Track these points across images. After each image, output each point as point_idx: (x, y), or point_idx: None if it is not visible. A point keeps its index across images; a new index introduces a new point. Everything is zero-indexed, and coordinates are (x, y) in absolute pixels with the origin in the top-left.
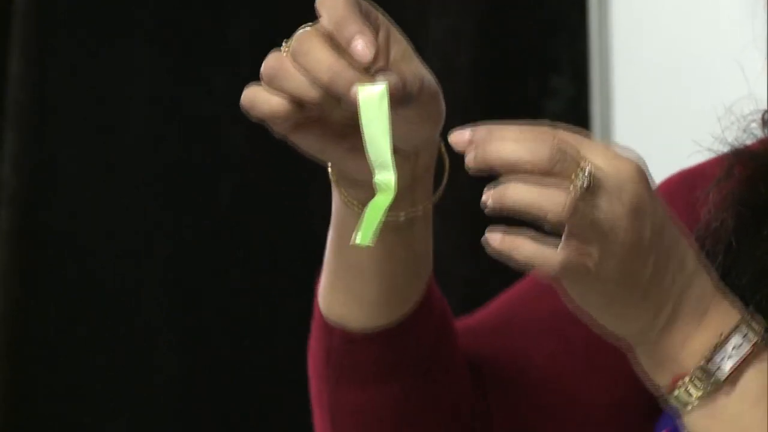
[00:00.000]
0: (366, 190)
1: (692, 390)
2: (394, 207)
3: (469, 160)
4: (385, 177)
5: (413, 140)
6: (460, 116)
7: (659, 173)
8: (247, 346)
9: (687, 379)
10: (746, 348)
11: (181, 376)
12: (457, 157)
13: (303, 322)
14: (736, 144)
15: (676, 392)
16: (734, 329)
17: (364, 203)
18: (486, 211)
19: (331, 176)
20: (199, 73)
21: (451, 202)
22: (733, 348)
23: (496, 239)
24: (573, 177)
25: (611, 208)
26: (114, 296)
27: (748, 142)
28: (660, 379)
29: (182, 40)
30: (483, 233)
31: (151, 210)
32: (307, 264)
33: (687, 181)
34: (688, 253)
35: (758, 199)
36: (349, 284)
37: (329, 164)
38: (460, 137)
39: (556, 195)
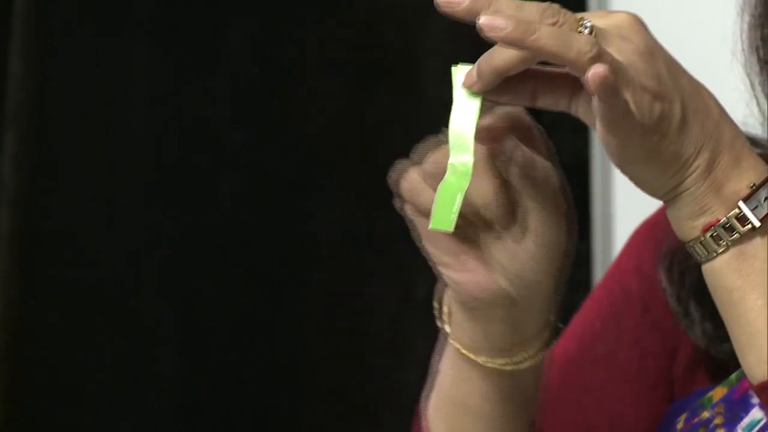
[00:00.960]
0: (477, 321)
1: (724, 235)
2: (508, 354)
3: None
4: (464, 159)
5: (526, 274)
6: None
7: None
8: (247, 346)
9: (719, 224)
10: None
11: (181, 376)
12: None
13: (303, 322)
14: None
15: (705, 237)
16: (766, 180)
17: (470, 348)
18: (503, 40)
19: (445, 329)
20: (200, 74)
21: None
22: (765, 198)
23: (601, 71)
24: (576, 29)
25: (623, 53)
26: (114, 296)
27: None
28: (691, 231)
29: (182, 40)
30: None
31: (150, 210)
32: (307, 264)
33: (657, 228)
34: (710, 100)
35: None
36: (456, 420)
37: (448, 332)
38: (469, 75)
39: (580, 38)
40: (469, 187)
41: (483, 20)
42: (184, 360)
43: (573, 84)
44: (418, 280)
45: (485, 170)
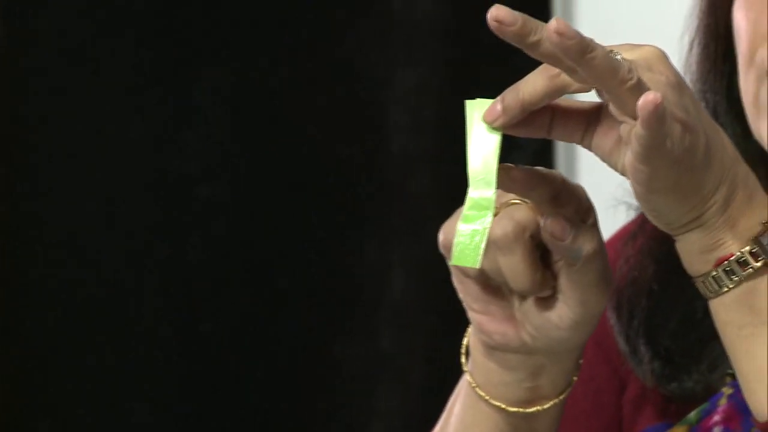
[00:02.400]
0: (495, 362)
1: (737, 270)
2: (523, 405)
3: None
4: (486, 194)
5: (554, 336)
6: (429, 168)
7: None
8: (246, 348)
9: (734, 259)
10: None
11: (178, 379)
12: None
13: (300, 326)
14: None
15: (718, 271)
16: None
17: (486, 390)
18: (564, 51)
19: (466, 370)
20: (179, 109)
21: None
22: None
23: (655, 98)
24: None
25: (655, 85)
26: (111, 301)
27: None
28: (702, 265)
29: (156, 87)
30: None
31: (123, 237)
32: (279, 307)
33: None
34: (725, 137)
35: (676, 249)
36: None
37: (468, 369)
38: (492, 109)
39: (623, 65)
40: (500, 260)
41: (557, 25)
42: (181, 364)
43: (587, 118)
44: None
45: (517, 245)
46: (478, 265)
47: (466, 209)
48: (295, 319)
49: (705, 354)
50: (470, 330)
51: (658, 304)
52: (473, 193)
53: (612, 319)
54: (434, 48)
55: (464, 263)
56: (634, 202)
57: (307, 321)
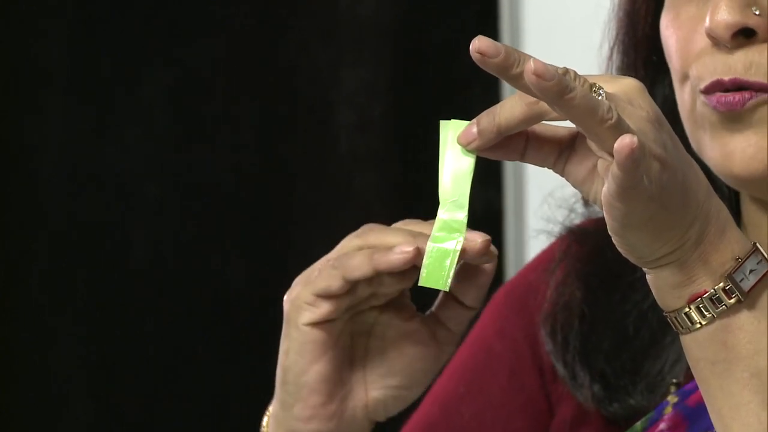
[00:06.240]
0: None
1: (710, 307)
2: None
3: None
4: (458, 217)
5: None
6: (377, 168)
7: None
8: (194, 347)
9: (707, 296)
10: (762, 271)
11: (124, 380)
12: None
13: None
14: (567, 224)
15: (690, 308)
16: (750, 253)
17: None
18: (546, 95)
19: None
20: (116, 126)
21: None
22: (750, 270)
23: (632, 142)
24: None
25: (635, 120)
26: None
27: (577, 221)
28: (675, 301)
29: (97, 94)
30: None
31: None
32: (219, 317)
33: (516, 294)
34: (699, 171)
35: (602, 270)
36: None
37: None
38: (468, 132)
39: (603, 103)
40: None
41: (535, 66)
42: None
43: (561, 144)
44: None
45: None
46: (447, 288)
47: (435, 230)
48: (242, 320)
49: (641, 374)
50: (271, 410)
51: (591, 326)
52: (443, 215)
53: (548, 345)
54: (380, 47)
55: (433, 285)
56: (554, 230)
57: (254, 321)
